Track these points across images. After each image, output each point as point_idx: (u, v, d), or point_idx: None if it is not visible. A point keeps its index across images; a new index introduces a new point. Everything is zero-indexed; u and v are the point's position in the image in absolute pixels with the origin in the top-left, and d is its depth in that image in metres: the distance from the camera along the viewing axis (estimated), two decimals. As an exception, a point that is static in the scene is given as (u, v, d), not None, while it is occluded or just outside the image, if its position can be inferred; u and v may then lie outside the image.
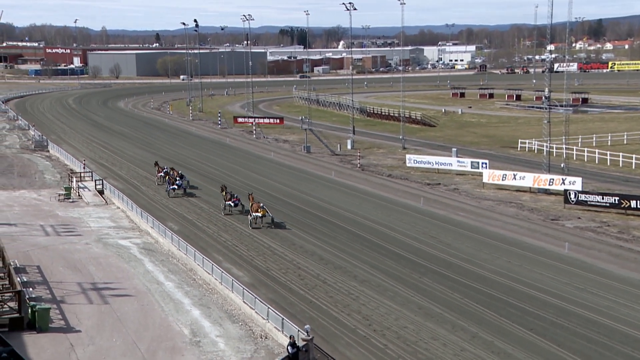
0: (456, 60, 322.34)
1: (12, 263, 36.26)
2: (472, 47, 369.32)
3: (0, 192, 58.59)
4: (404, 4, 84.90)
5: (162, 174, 60.74)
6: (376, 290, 34.46)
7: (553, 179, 54.86)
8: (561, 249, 40.70)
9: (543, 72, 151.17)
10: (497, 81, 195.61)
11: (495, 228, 45.90)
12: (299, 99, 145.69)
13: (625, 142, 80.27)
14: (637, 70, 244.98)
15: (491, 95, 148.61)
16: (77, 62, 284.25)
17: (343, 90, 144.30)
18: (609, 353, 27.57)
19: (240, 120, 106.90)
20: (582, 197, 50.14)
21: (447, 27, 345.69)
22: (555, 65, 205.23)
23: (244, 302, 32.08)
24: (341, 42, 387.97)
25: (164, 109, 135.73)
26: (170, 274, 37.53)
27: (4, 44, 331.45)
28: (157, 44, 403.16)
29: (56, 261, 39.25)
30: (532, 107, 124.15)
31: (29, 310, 30.34)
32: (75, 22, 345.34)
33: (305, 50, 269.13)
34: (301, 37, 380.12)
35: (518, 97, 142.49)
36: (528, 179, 56.30)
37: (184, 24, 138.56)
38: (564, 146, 62.78)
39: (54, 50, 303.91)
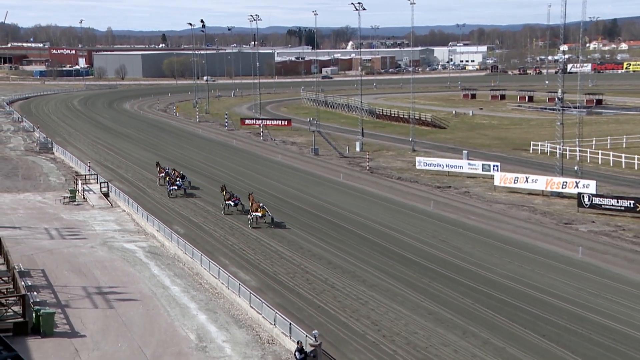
0: (467, 61, 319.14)
1: (16, 267, 35.94)
2: (484, 48, 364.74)
3: (4, 195, 58.27)
4: (414, 3, 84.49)
5: (163, 174, 60.53)
6: (385, 295, 33.96)
7: (566, 182, 54.19)
8: (574, 254, 40.08)
9: (556, 73, 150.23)
10: (509, 82, 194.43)
11: (506, 232, 45.29)
12: (307, 101, 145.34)
13: (640, 144, 79.43)
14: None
15: (503, 97, 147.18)
16: (82, 63, 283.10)
17: (351, 92, 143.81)
18: (624, 361, 27.01)
19: (247, 122, 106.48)
20: (596, 200, 49.49)
21: (458, 27, 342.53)
22: (569, 66, 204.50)
23: (251, 306, 31.66)
24: (350, 43, 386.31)
25: (170, 111, 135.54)
26: (177, 278, 37.10)
27: (9, 45, 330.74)
28: (163, 45, 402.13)
29: (61, 265, 38.88)
30: (545, 108, 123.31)
31: (34, 314, 30.04)
32: (80, 22, 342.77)
33: (313, 50, 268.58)
34: (309, 37, 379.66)
35: (530, 99, 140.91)
36: (540, 182, 55.59)
37: (190, 24, 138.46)
38: (577, 148, 62.15)
39: (59, 51, 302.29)
